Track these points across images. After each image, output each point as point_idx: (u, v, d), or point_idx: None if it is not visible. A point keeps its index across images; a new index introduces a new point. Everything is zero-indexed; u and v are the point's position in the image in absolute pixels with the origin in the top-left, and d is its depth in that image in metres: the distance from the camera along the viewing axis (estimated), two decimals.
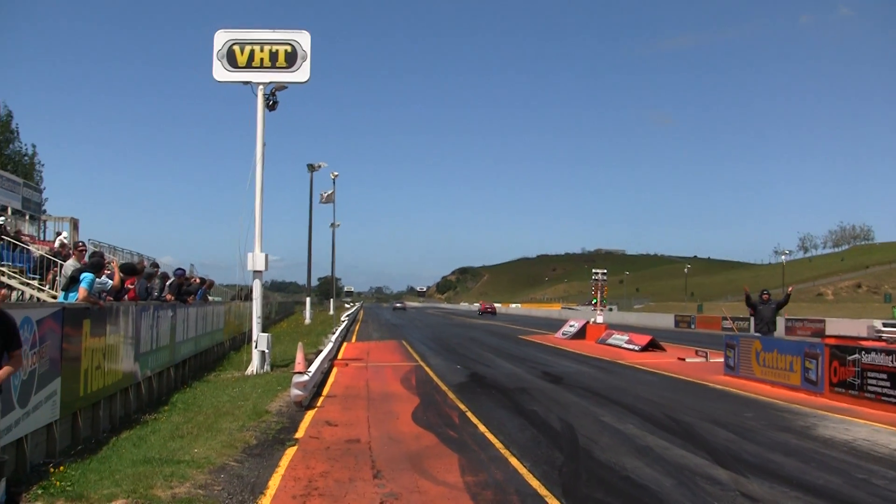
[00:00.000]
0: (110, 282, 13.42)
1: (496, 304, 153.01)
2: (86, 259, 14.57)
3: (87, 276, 11.85)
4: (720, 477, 9.48)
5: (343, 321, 48.53)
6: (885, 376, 14.86)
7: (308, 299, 66.25)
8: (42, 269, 21.52)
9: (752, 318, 21.66)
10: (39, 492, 8.16)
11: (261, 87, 22.35)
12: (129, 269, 14.98)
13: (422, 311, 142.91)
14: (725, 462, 10.30)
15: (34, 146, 60.92)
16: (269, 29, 22.45)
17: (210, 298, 26.00)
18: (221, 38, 22.13)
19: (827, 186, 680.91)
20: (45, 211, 47.86)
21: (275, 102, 22.73)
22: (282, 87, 22.74)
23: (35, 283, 21.04)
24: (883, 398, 14.83)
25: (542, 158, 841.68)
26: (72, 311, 10.66)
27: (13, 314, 8.27)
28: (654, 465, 10.08)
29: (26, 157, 59.32)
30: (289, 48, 22.28)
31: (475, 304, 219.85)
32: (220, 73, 22.17)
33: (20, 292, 20.66)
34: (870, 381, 15.23)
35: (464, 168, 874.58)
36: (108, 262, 14.61)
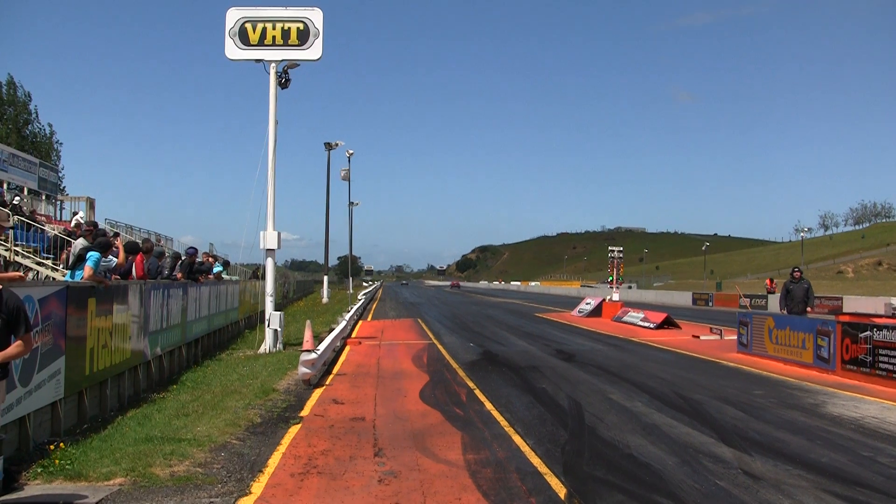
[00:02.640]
0: (115, 260, 13.41)
1: (461, 282, 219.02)
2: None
3: (92, 255, 11.84)
4: (724, 455, 9.40)
5: (360, 300, 48.60)
6: None
7: (326, 278, 66.36)
8: (56, 248, 21.63)
9: (785, 300, 21.08)
10: (39, 470, 8.18)
11: (273, 64, 22.27)
12: (131, 247, 14.92)
13: (440, 289, 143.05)
14: (731, 440, 10.22)
15: (51, 125, 61.20)
16: (281, 7, 22.30)
17: (225, 277, 26.05)
18: (233, 16, 22.02)
19: (848, 164, 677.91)
20: (63, 190, 48.17)
21: (287, 80, 22.64)
22: (294, 64, 22.64)
23: (49, 262, 21.17)
24: (894, 375, 14.69)
25: (563, 137, 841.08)
26: (76, 290, 10.64)
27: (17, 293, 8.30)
28: (658, 444, 10.01)
29: (44, 138, 59.56)
30: (301, 26, 22.14)
31: (494, 283, 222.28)
32: (233, 51, 22.07)
33: (35, 272, 20.79)
34: (881, 359, 15.09)
35: (485, 147, 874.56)
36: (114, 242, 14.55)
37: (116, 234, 22.66)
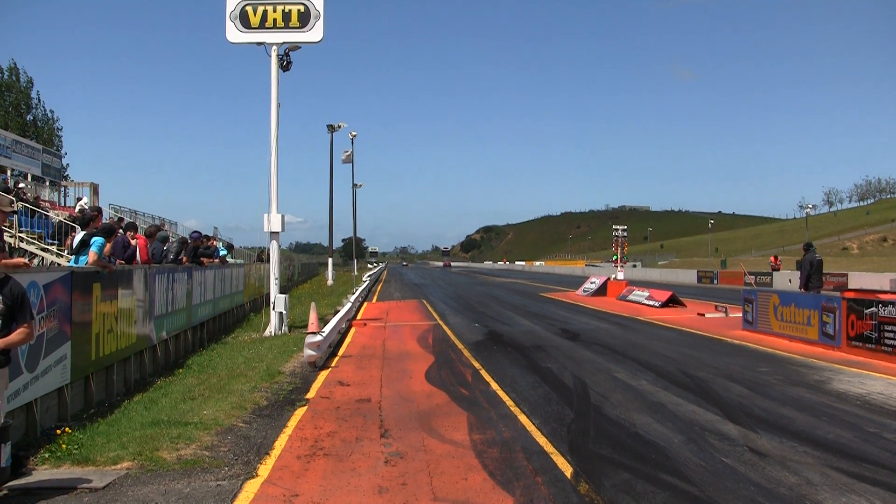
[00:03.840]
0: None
1: (453, 262, 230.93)
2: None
3: (97, 240, 11.83)
4: (730, 432, 9.42)
5: (365, 281, 48.62)
6: None
7: (330, 260, 66.31)
8: (61, 234, 21.63)
9: (812, 277, 20.53)
10: (46, 455, 8.21)
11: (274, 47, 22.19)
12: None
13: (445, 270, 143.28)
14: (737, 418, 10.23)
15: (52, 111, 61.06)
16: None
17: (230, 261, 26.05)
18: None
19: (853, 140, 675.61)
20: (67, 176, 48.13)
21: (289, 63, 22.57)
22: (295, 47, 22.58)
23: (54, 248, 21.17)
24: None
25: (566, 116, 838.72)
26: (81, 276, 10.65)
27: (21, 280, 8.30)
28: (664, 422, 10.02)
29: (46, 123, 59.49)
30: (301, 7, 22.04)
31: (499, 263, 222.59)
32: (234, 34, 21.99)
33: (40, 258, 20.80)
34: (887, 335, 15.07)
35: (488, 127, 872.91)
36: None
37: (120, 219, 22.68)
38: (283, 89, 22.29)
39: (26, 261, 10.77)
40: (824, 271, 23.30)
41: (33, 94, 58.87)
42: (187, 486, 7.44)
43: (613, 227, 43.72)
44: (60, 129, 61.39)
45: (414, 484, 7.47)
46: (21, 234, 20.76)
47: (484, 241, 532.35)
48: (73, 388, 10.46)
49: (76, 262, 12.28)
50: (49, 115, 60.35)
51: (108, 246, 12.70)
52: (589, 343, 18.69)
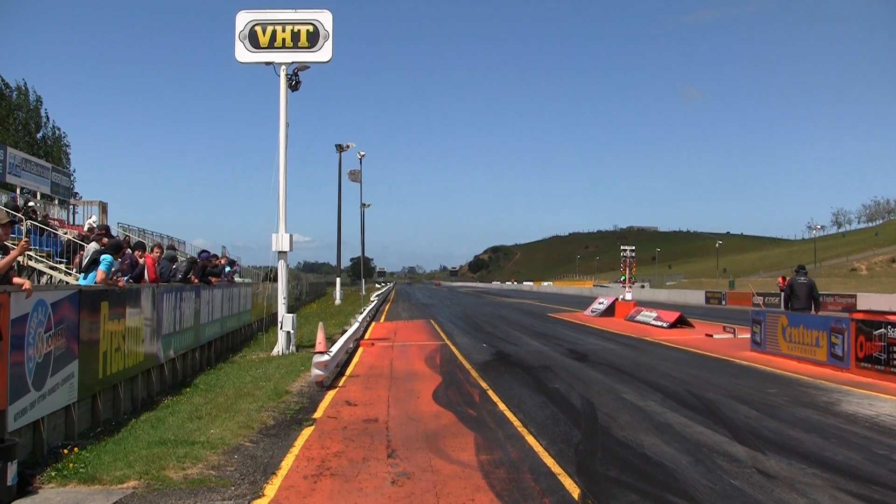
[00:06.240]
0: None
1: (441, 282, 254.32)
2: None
3: (105, 258, 11.88)
4: (738, 454, 9.37)
5: (373, 301, 48.60)
6: None
7: (338, 280, 66.34)
8: (70, 252, 21.69)
9: (791, 300, 20.47)
10: (53, 473, 8.21)
11: (283, 67, 22.29)
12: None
13: (454, 290, 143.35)
14: (745, 439, 10.18)
15: (61, 129, 61.46)
16: (290, 9, 22.34)
17: (237, 280, 26.07)
18: (243, 19, 22.07)
19: (861, 161, 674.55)
20: (76, 195, 48.30)
21: (297, 82, 22.65)
22: (304, 67, 22.65)
23: (62, 266, 21.23)
24: None
25: (574, 137, 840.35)
26: (89, 294, 10.67)
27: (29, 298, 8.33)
28: (672, 443, 9.98)
29: (55, 142, 59.86)
30: (311, 28, 22.17)
31: (507, 283, 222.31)
32: (243, 54, 22.11)
33: (49, 276, 20.86)
34: None
35: (497, 147, 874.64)
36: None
37: (126, 237, 22.71)
38: (291, 108, 22.39)
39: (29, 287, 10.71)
40: (832, 293, 23.12)
41: (42, 113, 59.30)
42: None
43: (622, 247, 43.47)
44: (69, 148, 61.82)
45: None
46: (30, 253, 20.82)
47: (492, 262, 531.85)
48: (81, 407, 10.47)
49: (85, 279, 12.30)
50: (58, 133, 60.76)
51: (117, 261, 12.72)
52: (597, 364, 18.63)
